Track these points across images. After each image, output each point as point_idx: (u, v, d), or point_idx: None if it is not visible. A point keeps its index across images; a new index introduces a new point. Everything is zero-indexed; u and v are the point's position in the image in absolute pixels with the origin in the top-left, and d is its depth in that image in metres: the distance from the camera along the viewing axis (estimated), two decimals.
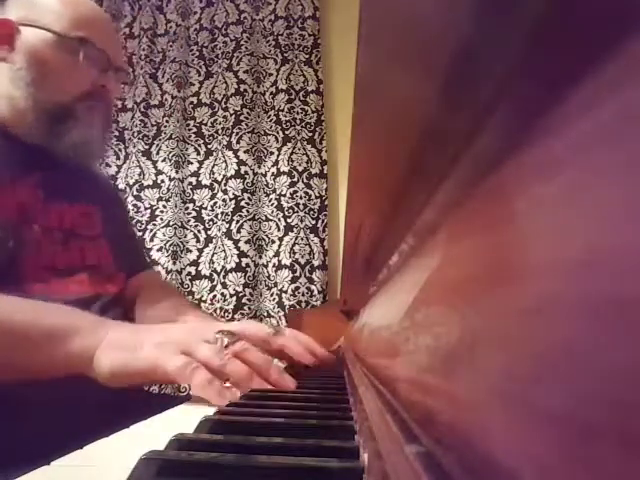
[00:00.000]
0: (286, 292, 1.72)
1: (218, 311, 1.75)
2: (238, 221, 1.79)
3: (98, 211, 0.82)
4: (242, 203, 1.80)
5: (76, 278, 0.73)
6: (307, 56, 1.85)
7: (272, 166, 1.82)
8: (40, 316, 0.51)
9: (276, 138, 1.83)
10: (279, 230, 1.78)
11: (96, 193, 0.85)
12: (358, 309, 0.96)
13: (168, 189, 1.88)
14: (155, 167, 1.91)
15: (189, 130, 1.91)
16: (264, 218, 1.81)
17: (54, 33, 0.73)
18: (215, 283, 1.78)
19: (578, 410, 0.07)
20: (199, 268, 1.82)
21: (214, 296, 1.78)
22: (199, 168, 1.88)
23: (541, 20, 0.14)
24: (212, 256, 1.81)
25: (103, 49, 0.76)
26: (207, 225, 1.84)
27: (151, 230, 1.83)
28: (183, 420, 0.41)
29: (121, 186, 1.90)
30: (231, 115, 1.86)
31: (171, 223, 1.85)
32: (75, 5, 0.76)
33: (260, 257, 1.79)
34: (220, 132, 1.87)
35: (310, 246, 1.75)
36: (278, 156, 1.81)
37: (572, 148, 0.11)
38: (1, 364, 0.49)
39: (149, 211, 1.85)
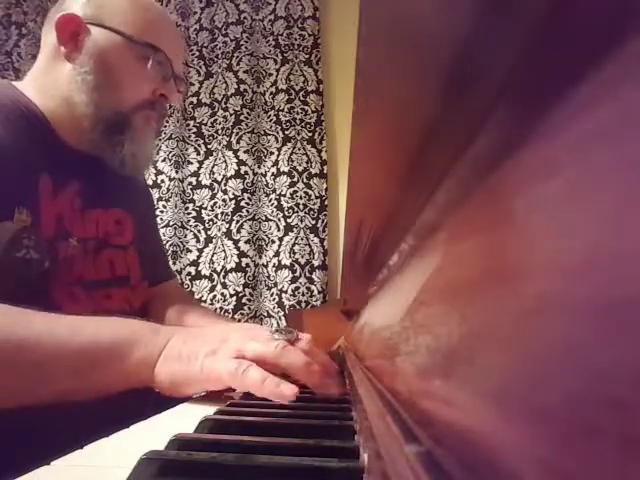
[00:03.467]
0: (286, 292, 1.72)
1: (218, 311, 1.75)
2: (238, 221, 1.79)
3: (131, 217, 0.80)
4: (242, 203, 1.80)
5: (104, 293, 0.71)
6: (307, 56, 1.85)
7: (272, 166, 1.82)
8: (100, 332, 0.49)
9: (276, 138, 1.83)
10: (279, 230, 1.78)
11: (132, 198, 0.82)
12: (358, 309, 0.96)
13: (168, 189, 1.88)
14: (155, 167, 1.91)
15: (189, 130, 1.91)
16: (264, 218, 1.81)
17: (124, 36, 0.69)
18: (215, 283, 1.78)
19: (577, 410, 0.07)
20: (199, 268, 1.82)
21: (214, 296, 1.78)
22: (199, 168, 1.88)
23: (541, 20, 0.14)
24: (212, 256, 1.81)
25: (169, 57, 0.72)
26: (207, 225, 1.84)
27: None
28: (183, 420, 0.41)
29: None
30: (231, 115, 1.86)
31: (171, 223, 1.85)
32: (146, 8, 0.72)
33: (260, 257, 1.79)
34: (220, 132, 1.86)
35: (310, 246, 1.75)
36: (278, 156, 1.81)
37: (572, 148, 0.11)
38: (68, 387, 0.47)
39: None
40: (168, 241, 1.83)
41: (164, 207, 1.87)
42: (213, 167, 1.87)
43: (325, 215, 1.78)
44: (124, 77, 0.69)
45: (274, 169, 1.81)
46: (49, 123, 0.68)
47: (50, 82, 0.69)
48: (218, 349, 0.46)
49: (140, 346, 0.48)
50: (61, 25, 0.68)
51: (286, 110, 1.82)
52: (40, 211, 0.62)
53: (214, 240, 1.82)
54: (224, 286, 1.76)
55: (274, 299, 1.74)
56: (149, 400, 0.51)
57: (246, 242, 1.77)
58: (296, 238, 1.75)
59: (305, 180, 1.79)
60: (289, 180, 1.78)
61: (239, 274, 1.75)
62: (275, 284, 1.75)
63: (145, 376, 0.48)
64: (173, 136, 1.90)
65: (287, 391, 0.40)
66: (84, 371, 0.47)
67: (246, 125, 1.84)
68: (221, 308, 1.75)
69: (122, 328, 0.51)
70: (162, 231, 1.84)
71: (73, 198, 0.68)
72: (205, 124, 1.89)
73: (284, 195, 1.78)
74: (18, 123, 0.64)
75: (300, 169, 1.79)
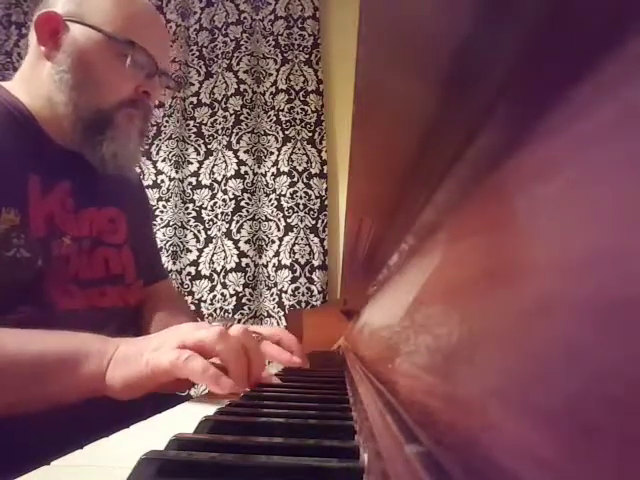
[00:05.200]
0: (286, 292, 1.72)
1: (218, 311, 1.75)
2: (238, 221, 1.79)
3: (125, 215, 0.79)
4: (242, 203, 1.80)
5: (99, 291, 0.71)
6: (307, 56, 1.85)
7: (272, 166, 1.82)
8: (48, 345, 0.51)
9: (276, 138, 1.83)
10: (279, 230, 1.78)
11: (125, 196, 0.81)
12: (358, 309, 0.96)
13: (168, 189, 1.88)
14: (155, 167, 1.91)
15: (189, 130, 1.91)
16: (264, 218, 1.81)
17: (102, 33, 0.67)
18: (215, 283, 1.78)
19: (577, 410, 0.07)
20: (199, 268, 1.82)
21: (214, 296, 1.78)
22: (199, 168, 1.88)
23: (541, 20, 0.14)
24: (212, 256, 1.81)
25: (152, 53, 0.70)
26: (207, 225, 1.84)
27: None
28: (183, 420, 0.41)
29: None
30: (231, 115, 1.86)
31: (171, 223, 1.85)
32: (128, 4, 0.70)
33: (260, 257, 1.79)
34: (220, 132, 1.86)
35: (310, 246, 1.75)
36: (278, 156, 1.81)
37: (572, 148, 0.11)
38: (18, 399, 0.49)
39: None
40: (168, 241, 1.83)
41: (164, 207, 1.87)
42: (213, 167, 1.87)
43: (325, 215, 1.78)
44: (103, 75, 0.68)
45: (274, 169, 1.81)
46: (37, 123, 0.68)
47: (34, 82, 0.69)
48: (161, 343, 0.49)
49: (89, 357, 0.50)
50: (40, 24, 0.67)
51: (286, 110, 1.82)
52: (29, 210, 0.62)
53: (214, 240, 1.82)
54: (224, 286, 1.76)
55: (274, 299, 1.74)
56: (148, 400, 0.51)
57: (246, 242, 1.77)
58: (296, 238, 1.75)
59: (305, 180, 1.79)
60: (289, 180, 1.78)
61: (239, 274, 1.75)
62: (275, 284, 1.75)
63: (97, 385, 0.49)
64: (173, 136, 1.90)
65: (224, 384, 0.45)
66: (33, 384, 0.49)
67: (246, 125, 1.84)
68: (221, 308, 1.75)
69: (71, 340, 0.52)
70: (162, 231, 1.84)
71: (64, 198, 0.68)
72: (205, 124, 1.89)
73: (284, 195, 1.78)
74: (6, 123, 0.63)
75: (300, 169, 1.79)
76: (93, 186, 0.73)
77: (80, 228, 0.70)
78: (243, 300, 1.74)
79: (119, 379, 0.49)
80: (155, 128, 1.93)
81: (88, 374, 0.49)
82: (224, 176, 1.83)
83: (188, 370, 0.45)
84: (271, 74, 1.87)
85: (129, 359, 0.49)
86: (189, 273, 1.82)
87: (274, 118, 1.83)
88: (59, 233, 0.66)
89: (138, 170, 1.91)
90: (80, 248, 0.69)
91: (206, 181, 1.87)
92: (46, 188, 0.65)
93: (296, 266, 1.73)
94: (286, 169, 1.79)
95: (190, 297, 1.79)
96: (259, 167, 1.84)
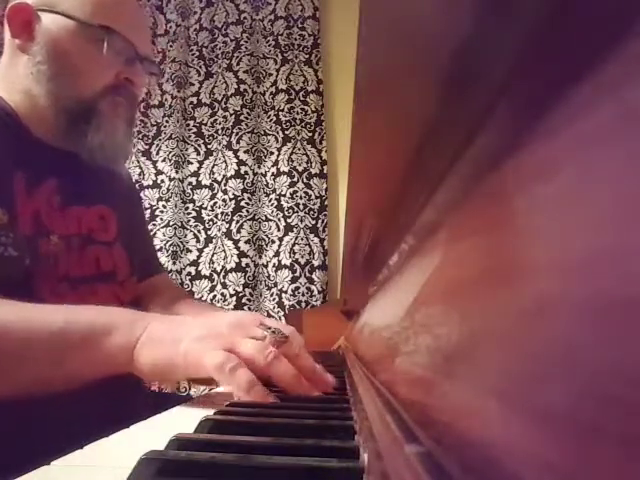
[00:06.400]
0: (286, 292, 1.72)
1: None
2: (238, 221, 1.79)
3: (115, 212, 0.78)
4: (242, 203, 1.80)
5: (91, 288, 0.70)
6: (307, 56, 1.85)
7: (272, 166, 1.82)
8: (75, 317, 0.49)
9: (276, 138, 1.83)
10: (279, 230, 1.78)
11: (114, 193, 0.80)
12: (358, 309, 0.96)
13: (168, 189, 1.88)
14: (155, 167, 1.91)
15: (189, 130, 1.91)
16: (264, 218, 1.81)
17: (76, 20, 0.66)
18: (215, 283, 1.78)
19: (577, 409, 0.07)
20: (199, 268, 1.82)
21: (214, 296, 1.78)
22: (199, 168, 1.88)
23: (541, 20, 0.14)
24: (212, 256, 1.81)
25: (129, 38, 0.69)
26: (207, 225, 1.84)
27: (151, 230, 1.83)
28: (183, 420, 0.41)
29: None
30: (231, 115, 1.86)
31: (171, 223, 1.85)
32: None
33: (260, 257, 1.79)
34: (220, 132, 1.86)
35: (310, 246, 1.75)
36: (278, 156, 1.81)
37: (572, 148, 0.11)
38: (40, 377, 0.47)
39: (149, 211, 1.85)
40: (168, 241, 1.83)
41: (164, 207, 1.87)
42: (213, 167, 1.86)
43: (325, 215, 1.78)
44: (80, 63, 0.67)
45: (274, 169, 1.81)
46: (19, 119, 0.67)
47: (12, 77, 0.68)
48: (207, 336, 0.45)
49: (118, 331, 0.47)
50: (11, 17, 0.66)
51: (286, 110, 1.82)
52: (16, 209, 0.61)
53: (214, 240, 1.82)
54: (224, 286, 1.76)
55: (274, 299, 1.74)
56: (148, 400, 0.51)
57: (246, 242, 1.77)
58: (296, 238, 1.75)
59: (305, 180, 1.79)
60: (289, 180, 1.78)
61: (239, 274, 1.75)
62: (275, 284, 1.75)
63: (124, 361, 0.47)
64: (173, 136, 1.89)
65: (272, 400, 0.42)
66: (57, 358, 0.47)
67: (246, 125, 1.84)
68: (221, 308, 1.75)
69: (99, 314, 0.50)
70: (162, 231, 1.84)
71: (50, 195, 0.67)
72: (205, 124, 1.89)
73: (284, 195, 1.78)
74: None
75: (300, 169, 1.79)
76: (81, 184, 0.72)
77: (68, 226, 0.69)
78: (243, 300, 1.74)
79: (149, 359, 0.46)
80: (155, 128, 1.93)
81: (115, 349, 0.47)
82: (224, 176, 1.83)
83: (233, 381, 0.42)
84: (271, 74, 1.87)
85: (164, 341, 0.46)
86: (189, 273, 1.82)
87: (274, 118, 1.83)
88: (46, 231, 0.65)
89: (138, 170, 1.91)
90: (69, 246, 0.68)
91: (206, 181, 1.87)
92: (32, 186, 0.64)
93: (296, 266, 1.73)
94: (286, 169, 1.79)
95: None
96: (259, 167, 1.84)
